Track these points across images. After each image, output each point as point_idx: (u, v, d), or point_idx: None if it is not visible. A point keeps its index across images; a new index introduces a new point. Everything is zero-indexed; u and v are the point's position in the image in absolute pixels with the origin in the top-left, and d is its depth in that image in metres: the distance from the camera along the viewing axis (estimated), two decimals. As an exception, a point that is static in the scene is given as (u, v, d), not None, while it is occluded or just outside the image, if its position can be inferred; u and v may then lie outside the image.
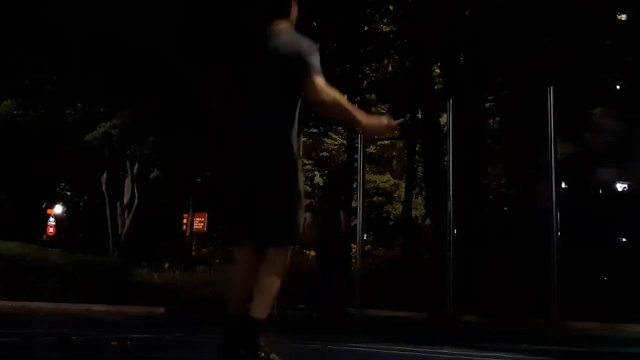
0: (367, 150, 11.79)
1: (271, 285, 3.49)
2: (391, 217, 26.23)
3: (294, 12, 3.80)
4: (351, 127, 3.33)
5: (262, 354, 3.42)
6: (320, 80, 3.55)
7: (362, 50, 18.66)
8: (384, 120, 3.74)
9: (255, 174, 3.53)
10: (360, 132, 3.77)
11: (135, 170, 19.94)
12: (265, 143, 3.53)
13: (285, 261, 3.53)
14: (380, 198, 27.06)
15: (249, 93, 3.64)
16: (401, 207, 22.53)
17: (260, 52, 3.67)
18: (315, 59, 3.59)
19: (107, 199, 20.20)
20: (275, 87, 3.58)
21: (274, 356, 3.49)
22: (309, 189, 30.22)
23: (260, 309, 3.45)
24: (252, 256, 3.55)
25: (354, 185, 15.28)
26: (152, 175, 18.78)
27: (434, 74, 17.92)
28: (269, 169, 3.51)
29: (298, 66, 3.56)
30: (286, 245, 3.54)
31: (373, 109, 24.75)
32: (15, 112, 19.36)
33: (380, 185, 26.97)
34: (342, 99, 3.64)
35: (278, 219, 3.49)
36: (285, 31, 3.71)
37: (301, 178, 3.61)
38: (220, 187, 3.80)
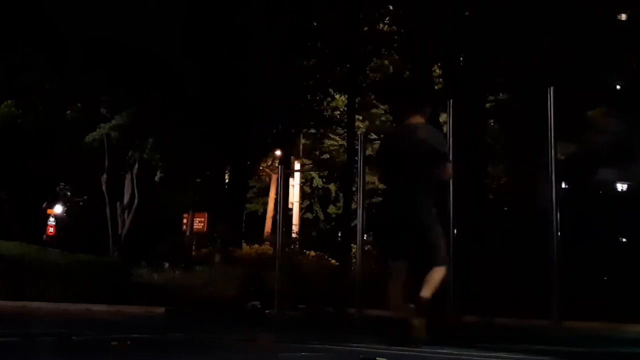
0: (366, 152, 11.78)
1: (435, 278, 5.23)
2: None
3: (428, 109, 5.76)
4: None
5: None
6: (449, 166, 5.57)
7: (362, 50, 18.64)
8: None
9: (409, 221, 5.36)
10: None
11: (135, 171, 19.92)
12: (414, 203, 5.35)
13: (445, 272, 5.38)
14: (380, 199, 26.99)
15: (403, 168, 5.42)
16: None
17: (408, 141, 5.46)
18: (446, 149, 5.67)
19: (107, 199, 20.17)
20: (419, 166, 5.34)
21: (417, 321, 5.08)
22: (308, 190, 30.21)
23: (428, 290, 5.19)
24: (403, 266, 5.39)
25: (354, 187, 15.22)
26: (156, 178, 18.72)
27: (434, 74, 17.90)
28: (418, 218, 5.34)
29: (437, 156, 5.40)
30: (443, 265, 5.35)
31: (373, 110, 24.74)
32: (15, 112, 19.36)
33: (379, 186, 26.90)
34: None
35: (434, 251, 5.31)
36: (422, 127, 5.53)
37: (438, 224, 5.45)
38: (385, 225, 5.59)
